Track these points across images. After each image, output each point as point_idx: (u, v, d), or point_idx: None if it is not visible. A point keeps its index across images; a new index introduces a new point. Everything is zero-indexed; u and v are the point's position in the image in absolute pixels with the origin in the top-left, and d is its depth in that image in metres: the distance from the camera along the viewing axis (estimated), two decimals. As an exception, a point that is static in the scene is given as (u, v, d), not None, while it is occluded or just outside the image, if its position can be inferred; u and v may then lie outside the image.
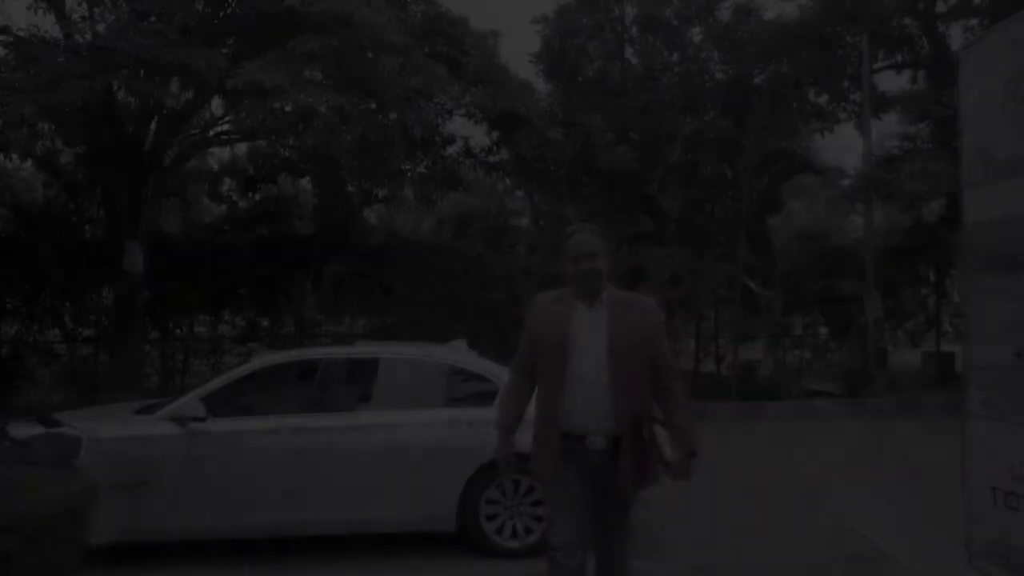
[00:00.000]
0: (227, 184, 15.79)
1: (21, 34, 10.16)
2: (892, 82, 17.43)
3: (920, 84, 16.97)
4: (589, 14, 16.05)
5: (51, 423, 4.25)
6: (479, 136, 13.99)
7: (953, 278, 16.07)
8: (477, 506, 5.27)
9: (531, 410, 3.40)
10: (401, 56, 9.52)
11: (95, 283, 13.67)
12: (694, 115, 15.14)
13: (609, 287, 3.31)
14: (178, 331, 14.39)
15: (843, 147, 19.46)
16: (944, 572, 4.65)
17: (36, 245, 12.85)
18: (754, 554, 5.41)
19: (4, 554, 2.46)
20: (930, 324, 16.26)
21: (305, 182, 17.54)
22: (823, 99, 17.62)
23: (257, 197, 15.37)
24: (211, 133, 13.50)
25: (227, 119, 13.39)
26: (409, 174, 14.92)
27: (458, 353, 6.04)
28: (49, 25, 10.96)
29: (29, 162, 14.05)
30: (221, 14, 10.70)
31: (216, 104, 12.93)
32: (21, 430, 4.09)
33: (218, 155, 21.23)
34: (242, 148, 16.75)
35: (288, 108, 11.05)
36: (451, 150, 14.17)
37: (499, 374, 5.46)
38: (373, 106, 10.74)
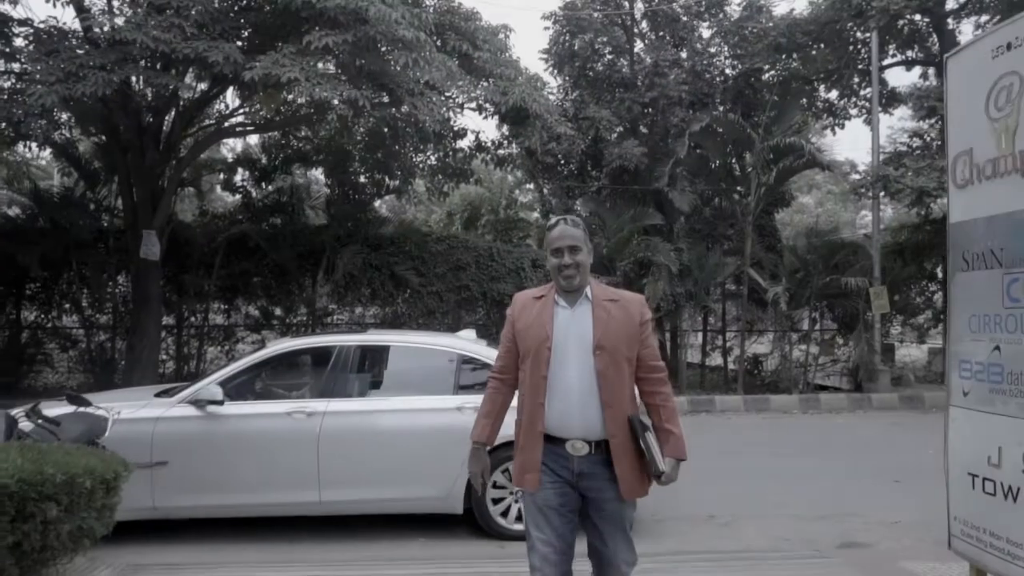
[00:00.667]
0: (240, 174, 16.00)
1: (42, 26, 10.40)
2: (902, 78, 17.50)
3: (930, 81, 17.03)
4: (599, 8, 16.16)
5: (81, 403, 4.48)
6: (489, 130, 14.19)
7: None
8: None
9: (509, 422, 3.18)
10: (414, 51, 9.66)
11: (112, 270, 13.93)
12: (703, 110, 15.25)
13: (593, 282, 3.10)
14: (193, 318, 14.64)
15: (852, 143, 19.54)
16: (926, 553, 4.86)
17: (55, 232, 13.13)
18: (751, 537, 5.60)
19: (45, 519, 2.68)
20: (937, 320, 16.35)
21: (318, 173, 17.77)
22: (833, 95, 17.73)
23: (270, 188, 15.59)
24: (226, 124, 13.72)
25: (242, 110, 13.62)
26: (420, 166, 15.15)
27: (467, 342, 6.21)
28: (69, 18, 11.22)
29: (47, 151, 14.35)
30: (237, 7, 10.88)
31: (230, 95, 13.14)
32: (53, 409, 4.32)
33: (231, 145, 21.55)
34: (254, 138, 17.02)
35: (302, 100, 11.29)
36: (462, 143, 14.36)
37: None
38: (386, 99, 10.92)
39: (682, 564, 4.77)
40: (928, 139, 16.61)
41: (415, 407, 5.56)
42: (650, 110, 15.41)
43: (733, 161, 15.53)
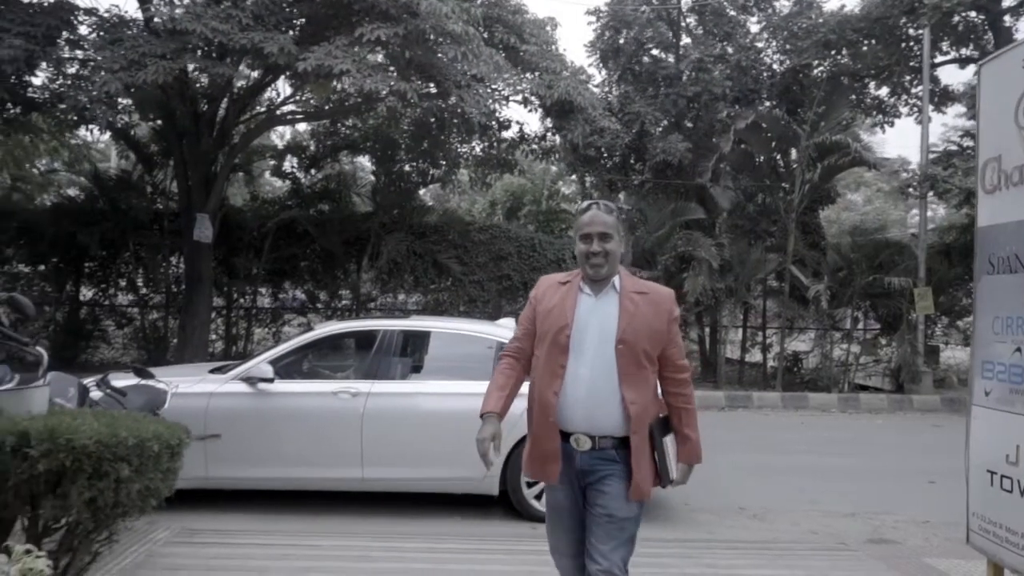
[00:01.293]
0: (290, 161, 16.40)
1: (106, 16, 10.82)
2: (957, 76, 17.19)
3: (985, 79, 16.66)
4: (647, 2, 16.16)
5: (146, 375, 4.80)
6: (533, 122, 14.34)
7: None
8: (518, 474, 5.66)
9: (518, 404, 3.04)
10: (463, 45, 9.84)
11: (166, 251, 14.44)
12: (748, 105, 15.19)
13: (623, 272, 2.92)
14: (241, 300, 15.10)
15: (905, 140, 19.28)
16: (953, 552, 4.92)
17: (113, 214, 13.65)
18: (780, 530, 5.72)
19: (118, 478, 2.96)
20: (983, 322, 16.04)
21: (364, 160, 18.09)
22: (883, 92, 17.49)
23: (318, 175, 15.95)
24: (277, 112, 14.09)
25: (293, 99, 13.97)
26: (465, 156, 15.37)
27: (506, 330, 6.38)
28: (130, 8, 11.62)
29: (107, 134, 14.87)
30: (291, -1, 11.19)
31: (282, 84, 13.49)
32: (120, 380, 4.64)
33: (280, 132, 22.00)
34: (303, 126, 17.38)
35: (352, 90, 11.55)
36: (506, 134, 14.53)
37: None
38: (433, 90, 11.13)
39: (707, 551, 4.91)
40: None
41: (455, 391, 5.74)
42: (695, 105, 15.40)
43: (778, 157, 15.45)
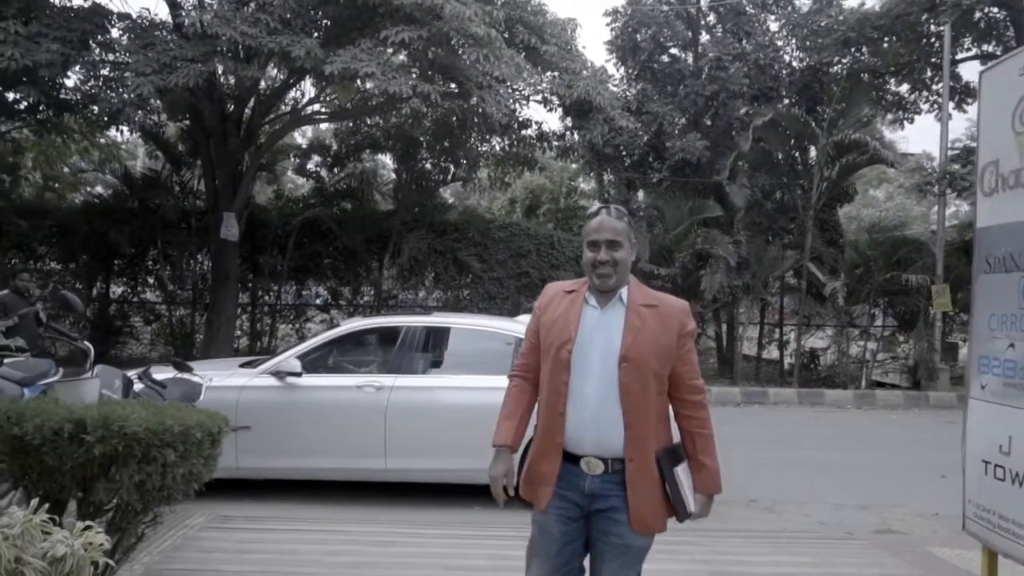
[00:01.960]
0: (313, 160, 16.68)
1: (137, 20, 11.12)
2: (978, 73, 17.13)
3: (1006, 75, 16.61)
4: (664, 1, 16.28)
5: (184, 369, 5.07)
6: (552, 120, 14.50)
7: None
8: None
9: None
10: (485, 47, 10.02)
11: (194, 249, 14.77)
12: (767, 103, 15.27)
13: (633, 282, 2.70)
14: (266, 296, 15.41)
15: (927, 137, 19.25)
16: (958, 543, 5.06)
17: (143, 212, 14.00)
18: (789, 520, 5.88)
19: (165, 463, 3.20)
20: (1003, 320, 16.01)
21: (386, 159, 18.35)
22: (903, 88, 17.48)
23: (341, 173, 16.22)
24: (302, 112, 14.36)
25: (317, 99, 14.24)
26: (485, 155, 15.57)
27: (524, 326, 6.55)
28: (161, 12, 11.92)
29: (136, 134, 15.22)
30: (316, 1, 11.42)
31: (307, 84, 13.75)
32: (160, 373, 4.92)
33: (303, 131, 22.32)
34: (326, 125, 17.66)
35: (375, 91, 11.77)
36: (526, 133, 14.69)
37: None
38: (455, 90, 11.33)
39: (717, 540, 5.09)
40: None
41: (475, 385, 5.94)
42: (713, 103, 15.50)
43: (796, 155, 15.52)
